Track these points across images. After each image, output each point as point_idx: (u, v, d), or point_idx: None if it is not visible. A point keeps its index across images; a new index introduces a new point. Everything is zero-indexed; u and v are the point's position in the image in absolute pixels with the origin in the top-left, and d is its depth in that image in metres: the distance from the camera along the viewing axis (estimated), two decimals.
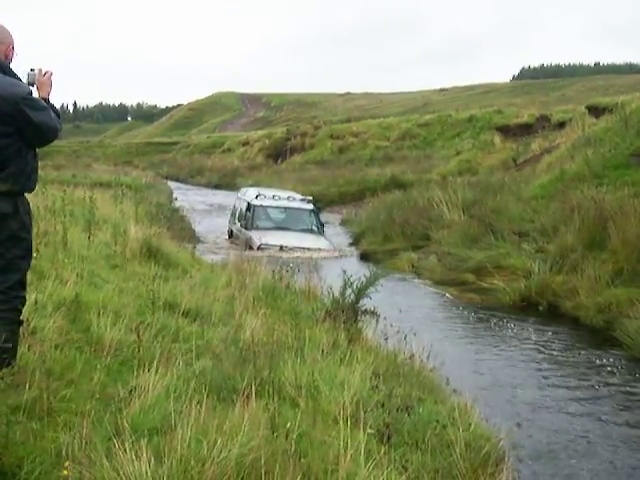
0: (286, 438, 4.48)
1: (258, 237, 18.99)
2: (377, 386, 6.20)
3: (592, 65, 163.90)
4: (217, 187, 51.38)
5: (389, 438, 5.26)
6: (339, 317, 8.31)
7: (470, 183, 24.68)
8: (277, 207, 21.63)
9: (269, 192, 22.61)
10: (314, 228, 21.24)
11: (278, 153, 59.81)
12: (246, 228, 20.53)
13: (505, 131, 43.07)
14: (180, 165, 65.64)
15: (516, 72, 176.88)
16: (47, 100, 5.22)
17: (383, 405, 5.80)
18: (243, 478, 3.99)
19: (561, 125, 36.52)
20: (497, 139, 41.51)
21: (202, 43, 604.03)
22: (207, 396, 4.87)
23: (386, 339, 8.03)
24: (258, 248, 18.00)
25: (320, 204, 34.88)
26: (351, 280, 9.09)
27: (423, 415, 5.78)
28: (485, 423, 6.19)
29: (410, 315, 11.73)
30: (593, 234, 14.22)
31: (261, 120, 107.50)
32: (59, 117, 5.21)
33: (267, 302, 9.02)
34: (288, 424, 4.59)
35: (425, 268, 17.01)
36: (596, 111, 32.05)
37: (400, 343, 7.90)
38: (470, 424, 5.79)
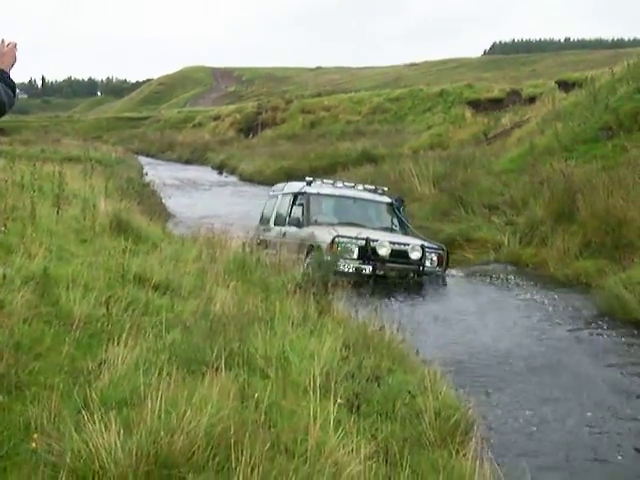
0: (256, 408, 4.50)
1: (326, 231, 12.94)
2: (347, 357, 6.22)
3: (562, 40, 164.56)
4: (188, 162, 51.15)
5: (358, 408, 5.29)
6: (309, 289, 8.33)
7: (441, 157, 24.79)
8: (341, 197, 15.08)
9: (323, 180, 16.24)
10: (395, 228, 14.74)
11: (249, 128, 59.61)
12: (298, 226, 14.17)
13: (476, 105, 43.15)
14: (150, 140, 65.09)
15: (487, 47, 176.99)
16: (6, 73, 5.07)
17: (353, 376, 5.83)
18: (213, 448, 4.01)
19: (531, 100, 36.73)
20: (468, 113, 41.60)
21: (172, 16, 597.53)
22: (177, 368, 4.88)
23: (356, 311, 8.07)
24: (333, 243, 12.30)
25: (292, 179, 35.00)
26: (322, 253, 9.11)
27: (393, 385, 5.82)
28: (454, 392, 6.24)
29: (381, 286, 11.81)
30: (562, 207, 14.37)
31: (232, 95, 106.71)
32: (14, 91, 5.04)
33: (237, 275, 9.01)
34: (257, 394, 4.61)
35: None
36: (566, 86, 32.29)
37: (370, 314, 7.94)
38: (439, 393, 5.83)
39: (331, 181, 15.81)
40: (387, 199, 15.33)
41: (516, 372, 8.05)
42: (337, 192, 15.10)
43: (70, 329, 5.95)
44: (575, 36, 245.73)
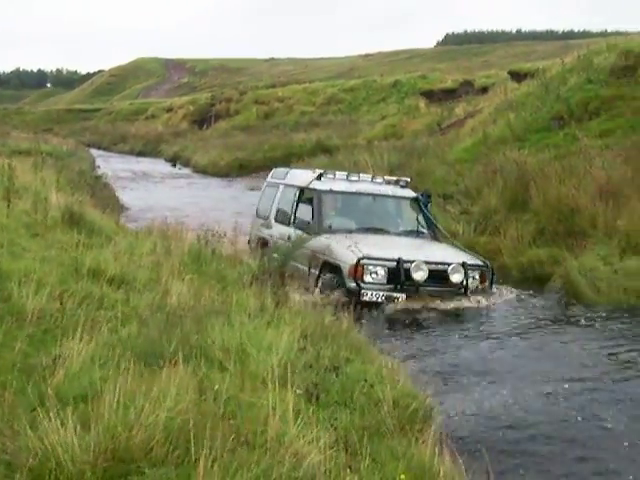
0: (214, 401, 4.47)
1: (346, 246, 10.67)
2: (305, 347, 6.21)
3: (514, 32, 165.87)
4: (141, 154, 50.68)
5: (317, 398, 5.30)
6: (266, 281, 8.31)
7: (395, 147, 24.91)
8: (359, 194, 12.42)
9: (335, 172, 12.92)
10: (423, 230, 12.35)
11: (203, 119, 59.30)
12: (308, 231, 11.56)
13: (429, 96, 43.47)
14: (102, 132, 64.35)
15: (440, 38, 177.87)
16: None
17: (311, 366, 5.84)
18: (172, 442, 3.98)
19: (484, 90, 37.07)
20: (422, 104, 41.86)
21: (124, 6, 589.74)
22: (133, 362, 4.82)
23: (313, 301, 8.08)
24: (357, 266, 10.24)
25: (246, 170, 35.01)
26: (277, 245, 9.08)
27: (351, 375, 5.83)
28: (412, 381, 6.28)
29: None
30: (515, 196, 14.56)
31: (185, 86, 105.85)
32: None
33: (193, 267, 8.96)
34: (216, 387, 4.58)
35: None
36: (518, 76, 32.65)
37: (327, 305, 7.96)
38: (397, 382, 5.86)
39: (344, 173, 12.88)
40: (412, 194, 12.79)
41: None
42: (353, 188, 12.35)
43: (23, 325, 5.86)
44: (526, 27, 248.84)
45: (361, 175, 12.99)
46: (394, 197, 12.62)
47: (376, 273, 10.27)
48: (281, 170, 14.32)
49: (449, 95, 41.14)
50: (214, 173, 35.46)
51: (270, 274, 8.64)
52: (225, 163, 36.19)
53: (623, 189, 12.87)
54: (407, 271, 10.24)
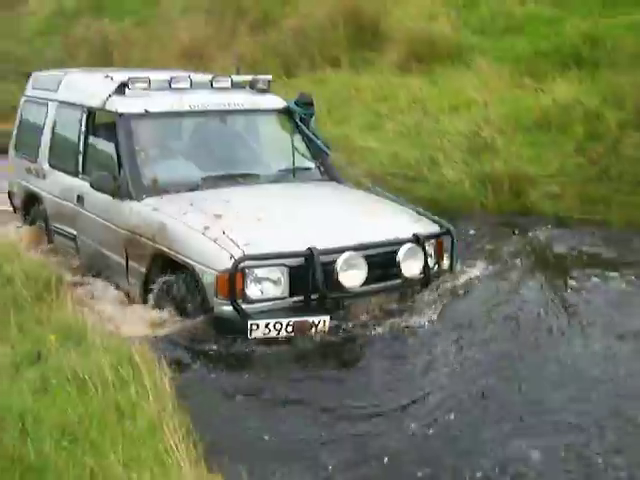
0: None
1: (203, 226, 5.22)
2: None
3: None
4: None
5: None
6: None
7: None
8: (197, 114, 6.55)
9: (142, 72, 7.06)
10: (309, 165, 6.83)
11: None
12: (117, 195, 5.90)
13: None
14: None
15: None
16: None
17: None
18: None
19: None
20: None
21: None
22: None
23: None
24: (236, 273, 4.88)
25: None
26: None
27: None
28: (38, 256, 6.65)
29: None
30: (100, 64, 14.68)
31: None
32: None
33: None
34: None
35: None
36: None
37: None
38: (24, 260, 6.07)
39: (164, 75, 6.67)
40: (280, 102, 7.05)
41: None
42: (186, 104, 6.43)
43: None
44: None
45: (193, 76, 6.77)
46: (256, 111, 7.03)
47: (269, 281, 5.11)
48: (49, 75, 8.03)
49: None
50: None
51: None
52: None
53: (208, 48, 13.65)
54: (328, 269, 5.14)
